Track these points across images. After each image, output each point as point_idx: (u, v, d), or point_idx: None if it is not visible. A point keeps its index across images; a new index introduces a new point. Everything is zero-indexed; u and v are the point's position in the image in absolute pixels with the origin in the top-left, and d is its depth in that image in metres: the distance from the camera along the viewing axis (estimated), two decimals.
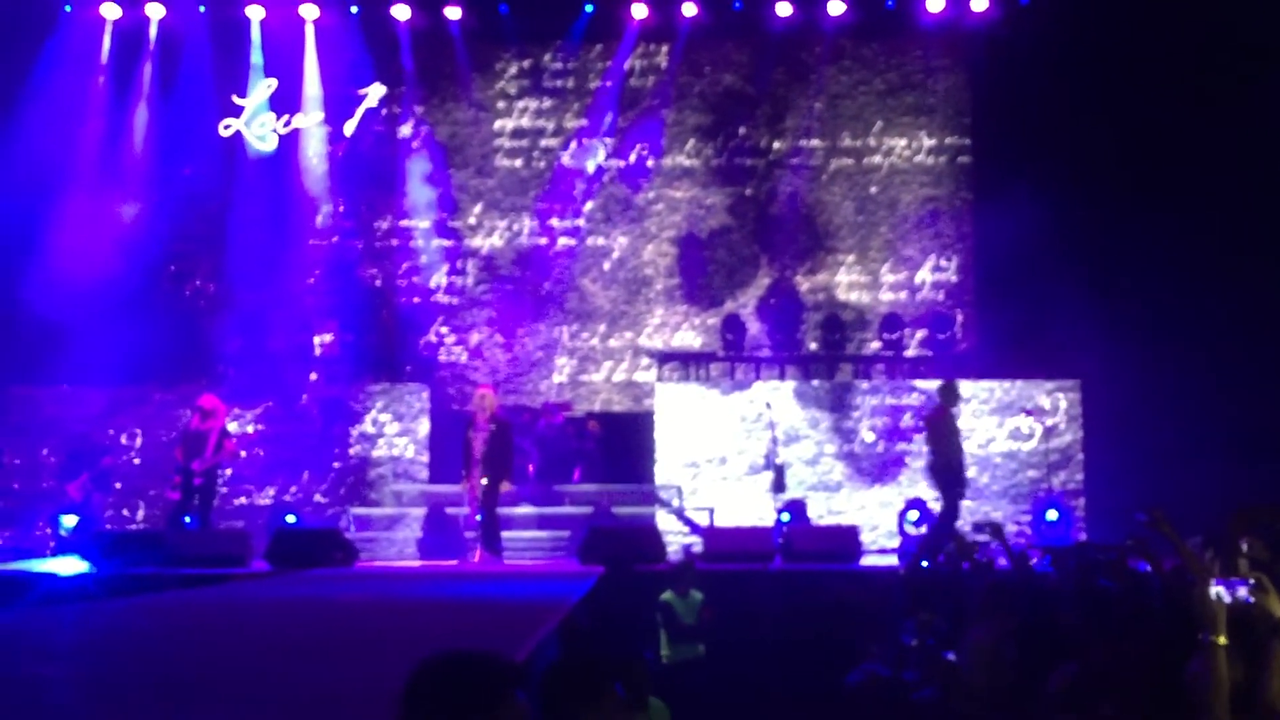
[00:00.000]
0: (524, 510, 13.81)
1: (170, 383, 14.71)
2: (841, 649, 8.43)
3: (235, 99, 16.48)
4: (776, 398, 14.25)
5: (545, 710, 3.34)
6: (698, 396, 14.49)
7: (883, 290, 16.38)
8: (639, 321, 16.53)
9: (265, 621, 8.19)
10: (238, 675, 5.51)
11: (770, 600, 10.86)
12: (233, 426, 13.71)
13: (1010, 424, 14.19)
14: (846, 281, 16.44)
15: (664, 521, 13.61)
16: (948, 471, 12.14)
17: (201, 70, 16.26)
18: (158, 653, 6.44)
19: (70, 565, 12.16)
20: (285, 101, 16.58)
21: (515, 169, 16.78)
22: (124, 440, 14.53)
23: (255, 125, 16.58)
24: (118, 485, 14.41)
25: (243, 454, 13.92)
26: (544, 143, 16.80)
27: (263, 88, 16.53)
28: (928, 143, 16.56)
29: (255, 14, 16.27)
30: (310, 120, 16.63)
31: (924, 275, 16.38)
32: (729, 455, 14.21)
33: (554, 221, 16.66)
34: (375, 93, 16.67)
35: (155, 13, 16.22)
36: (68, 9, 16.05)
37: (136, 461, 14.51)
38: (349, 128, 16.65)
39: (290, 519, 13.85)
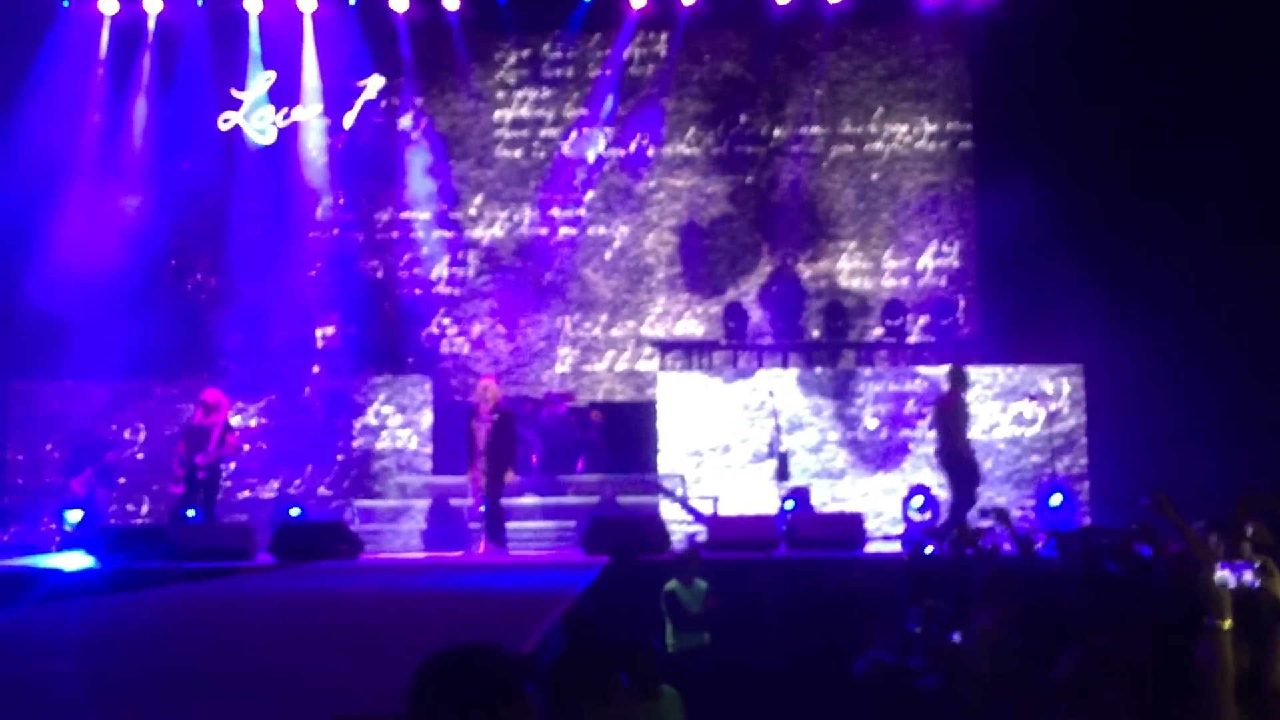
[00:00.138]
0: (528, 501, 13.82)
1: (173, 377, 14.71)
2: (846, 636, 8.43)
3: (234, 92, 16.46)
4: (779, 385, 14.24)
5: (552, 701, 3.35)
6: (700, 385, 14.48)
7: (885, 277, 16.36)
8: (641, 311, 16.52)
9: (270, 615, 8.21)
10: (243, 669, 5.52)
11: (775, 588, 10.88)
12: (235, 420, 13.72)
13: (1014, 409, 14.17)
14: (848, 268, 16.42)
15: (668, 511, 13.62)
16: (957, 459, 12.10)
17: (200, 64, 16.24)
18: (163, 647, 6.45)
19: (75, 560, 12.19)
20: (284, 94, 16.55)
21: (515, 159, 16.75)
22: (127, 435, 14.54)
23: (254, 118, 16.55)
24: (121, 480, 14.42)
25: (246, 448, 13.93)
26: (544, 132, 16.78)
27: (261, 80, 16.50)
28: (929, 128, 16.52)
29: (253, 7, 16.23)
30: (309, 113, 16.60)
31: (926, 261, 16.35)
32: (732, 444, 14.21)
33: (555, 211, 16.64)
34: (374, 84, 16.64)
35: (153, 6, 16.17)
36: (66, 3, 16.00)
37: (140, 456, 14.52)
38: (348, 120, 16.62)
39: (294, 512, 13.82)
